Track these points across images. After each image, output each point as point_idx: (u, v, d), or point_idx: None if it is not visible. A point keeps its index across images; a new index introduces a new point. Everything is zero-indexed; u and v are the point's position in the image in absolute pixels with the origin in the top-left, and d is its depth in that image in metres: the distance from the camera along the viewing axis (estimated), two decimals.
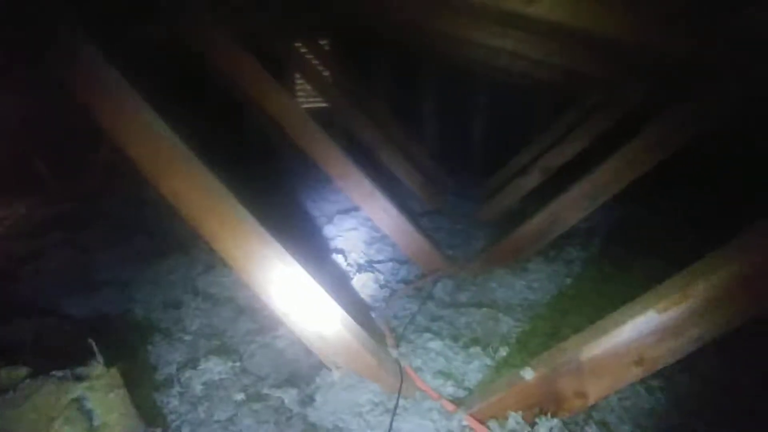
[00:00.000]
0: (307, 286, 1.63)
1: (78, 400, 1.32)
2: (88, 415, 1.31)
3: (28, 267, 2.76)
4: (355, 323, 1.67)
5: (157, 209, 3.15)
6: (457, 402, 1.63)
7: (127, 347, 1.94)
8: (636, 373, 1.38)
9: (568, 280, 2.61)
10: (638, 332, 1.37)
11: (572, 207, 2.68)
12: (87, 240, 3.17)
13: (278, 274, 1.61)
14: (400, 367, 1.71)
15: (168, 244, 3.04)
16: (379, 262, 3.01)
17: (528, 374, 1.50)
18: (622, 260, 2.67)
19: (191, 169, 1.65)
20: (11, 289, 2.50)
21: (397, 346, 1.95)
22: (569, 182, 2.71)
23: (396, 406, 1.54)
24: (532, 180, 3.72)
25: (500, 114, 5.61)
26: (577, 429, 1.50)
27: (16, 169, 4.10)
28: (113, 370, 1.42)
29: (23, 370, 1.47)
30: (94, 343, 1.48)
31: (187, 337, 2.04)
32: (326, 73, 5.33)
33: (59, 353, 1.58)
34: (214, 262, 2.73)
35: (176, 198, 1.64)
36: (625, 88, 3.41)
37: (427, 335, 2.04)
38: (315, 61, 5.16)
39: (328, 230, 3.55)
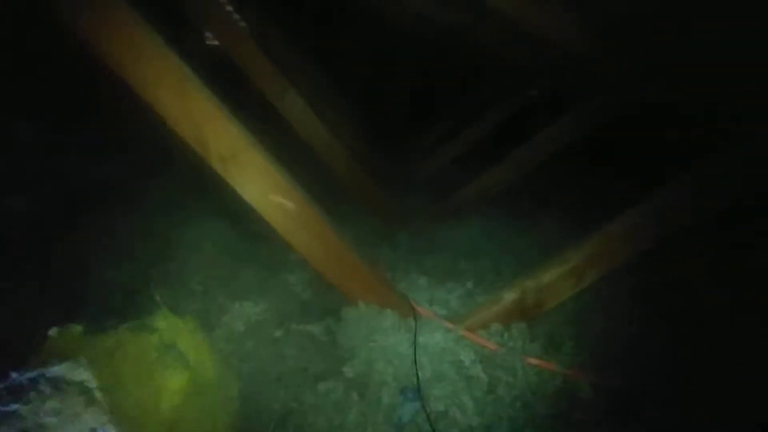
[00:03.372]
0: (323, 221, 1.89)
1: (170, 347, 1.45)
2: (183, 359, 1.46)
3: None
4: (371, 260, 2.03)
5: None
6: (452, 320, 2.15)
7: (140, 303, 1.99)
8: (575, 286, 2.07)
9: (499, 231, 3.32)
10: (578, 261, 2.06)
11: (502, 174, 3.38)
12: None
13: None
14: (407, 297, 2.15)
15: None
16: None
17: (508, 295, 2.08)
18: (537, 215, 3.49)
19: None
20: None
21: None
22: (491, 150, 3.39)
23: (416, 326, 1.99)
24: (459, 147, 4.36)
25: (418, 79, 6.06)
26: (533, 326, 2.14)
27: None
28: (187, 317, 1.56)
29: (77, 328, 1.51)
30: (156, 293, 1.59)
31: (198, 287, 2.15)
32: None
33: (109, 306, 1.63)
34: (192, 214, 2.76)
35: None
36: (532, 75, 4.19)
37: (413, 275, 2.51)
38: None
39: None
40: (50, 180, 3.32)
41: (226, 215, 2.73)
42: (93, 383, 1.40)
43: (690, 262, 2.61)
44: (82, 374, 1.41)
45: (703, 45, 2.31)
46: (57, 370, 1.40)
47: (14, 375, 1.28)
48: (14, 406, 1.22)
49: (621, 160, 3.63)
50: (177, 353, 1.46)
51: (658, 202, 2.07)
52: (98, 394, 1.39)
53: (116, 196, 3.20)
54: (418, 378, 1.75)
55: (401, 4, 3.83)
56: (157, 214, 3.02)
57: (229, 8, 4.13)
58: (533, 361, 1.92)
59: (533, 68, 4.06)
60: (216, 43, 3.51)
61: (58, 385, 1.37)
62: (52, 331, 1.53)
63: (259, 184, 1.81)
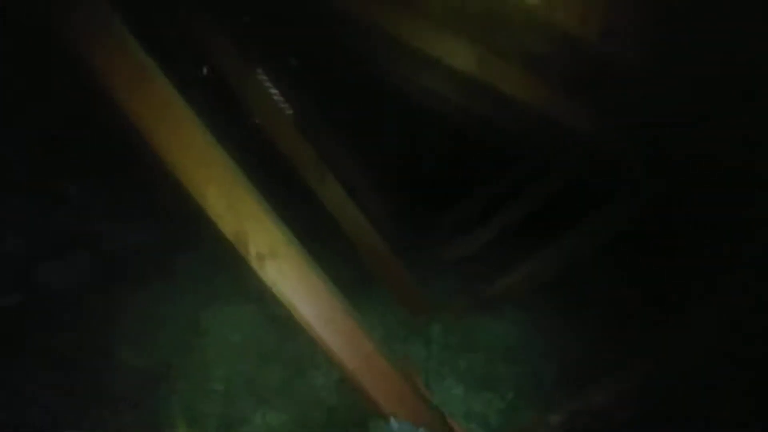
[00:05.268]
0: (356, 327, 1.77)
1: None
2: None
3: None
4: (404, 364, 1.88)
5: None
6: None
7: (158, 397, 1.87)
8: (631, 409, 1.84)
9: (536, 329, 3.11)
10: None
11: (539, 266, 3.24)
12: None
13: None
14: (443, 413, 1.95)
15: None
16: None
17: (554, 418, 1.87)
18: (577, 311, 3.27)
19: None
20: None
21: (429, 392, 2.19)
22: (523, 237, 3.28)
23: None
24: (491, 231, 4.28)
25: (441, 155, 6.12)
26: None
27: None
28: None
29: None
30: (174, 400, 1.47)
31: (220, 386, 2.02)
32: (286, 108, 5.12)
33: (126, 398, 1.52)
34: (219, 293, 2.71)
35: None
36: (563, 162, 4.18)
37: (447, 380, 2.31)
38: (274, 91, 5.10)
39: None
40: (82, 246, 3.35)
41: (254, 297, 2.65)
42: None
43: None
44: None
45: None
46: None
47: None
48: None
49: (667, 252, 3.43)
50: None
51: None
52: None
53: (144, 267, 3.19)
54: None
55: (435, 93, 3.99)
56: (185, 290, 2.98)
57: (275, 93, 4.40)
58: None
59: (568, 157, 4.06)
60: (260, 122, 3.66)
61: None
62: None
63: (295, 283, 1.74)
